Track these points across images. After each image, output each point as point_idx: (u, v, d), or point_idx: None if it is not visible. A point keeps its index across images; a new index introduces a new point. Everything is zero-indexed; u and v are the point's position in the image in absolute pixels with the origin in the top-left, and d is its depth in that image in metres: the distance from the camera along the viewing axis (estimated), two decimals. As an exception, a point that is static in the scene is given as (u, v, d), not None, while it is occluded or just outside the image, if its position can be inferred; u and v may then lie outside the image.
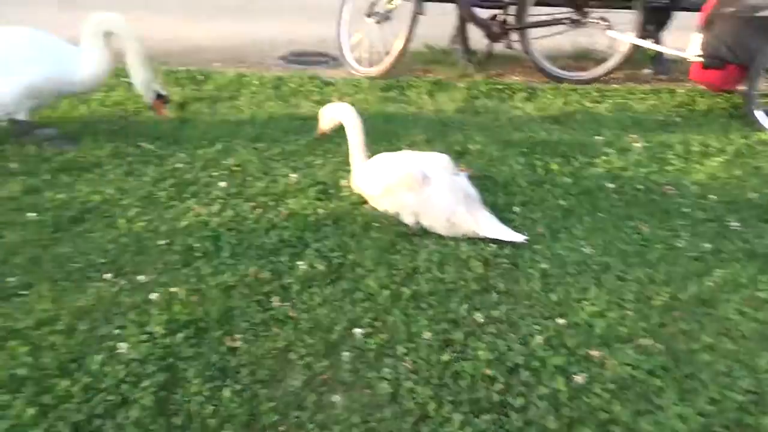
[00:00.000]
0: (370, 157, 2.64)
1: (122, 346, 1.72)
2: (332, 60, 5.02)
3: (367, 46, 4.61)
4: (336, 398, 1.61)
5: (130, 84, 3.81)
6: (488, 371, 1.71)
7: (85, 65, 2.86)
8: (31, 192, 2.55)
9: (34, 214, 2.35)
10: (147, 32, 3.39)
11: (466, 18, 4.62)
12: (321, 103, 3.85)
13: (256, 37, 5.61)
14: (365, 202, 2.57)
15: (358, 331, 1.82)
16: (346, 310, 1.94)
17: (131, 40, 2.92)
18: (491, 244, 2.30)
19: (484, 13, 4.65)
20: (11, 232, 2.26)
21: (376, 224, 2.42)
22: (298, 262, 2.15)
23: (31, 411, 1.51)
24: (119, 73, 3.65)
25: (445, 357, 1.77)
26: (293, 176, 2.75)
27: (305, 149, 3.08)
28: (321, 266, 2.13)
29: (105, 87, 3.73)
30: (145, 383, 1.62)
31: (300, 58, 5.05)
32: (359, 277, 2.11)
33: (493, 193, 2.69)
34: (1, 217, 2.34)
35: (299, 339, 1.81)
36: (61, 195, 2.52)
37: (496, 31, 4.57)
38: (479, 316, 1.93)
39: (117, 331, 1.80)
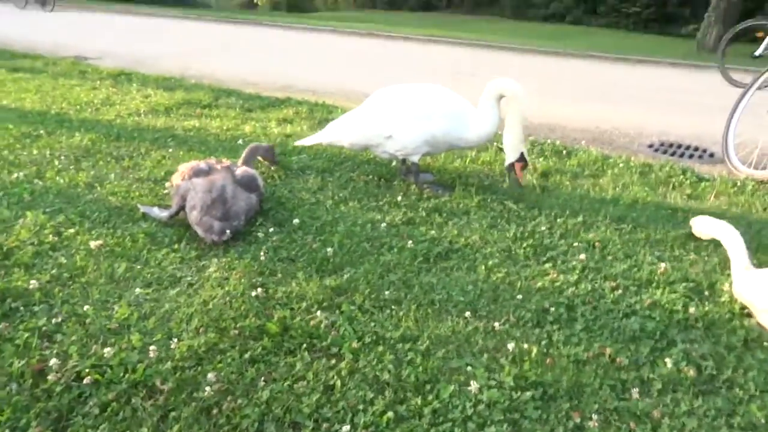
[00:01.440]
0: (756, 266, 2.29)
1: (472, 384, 1.74)
2: (708, 156, 4.58)
3: (760, 145, 4.06)
4: None
5: (499, 149, 4.11)
6: None
7: (477, 125, 3.12)
8: (409, 223, 2.86)
9: (410, 242, 2.61)
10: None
11: None
12: (693, 197, 3.52)
13: (624, 123, 5.49)
14: (750, 314, 2.18)
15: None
16: (720, 432, 1.63)
17: (520, 102, 3.03)
18: None
19: None
20: (390, 253, 2.55)
21: (764, 343, 2.02)
22: (663, 359, 1.91)
23: (389, 415, 1.62)
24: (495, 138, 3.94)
25: None
26: (661, 265, 2.51)
27: (674, 240, 2.80)
28: (690, 372, 1.85)
29: (476, 148, 4.07)
30: (490, 429, 1.60)
31: (670, 148, 4.73)
32: (739, 400, 1.76)
33: None
34: (385, 238, 2.66)
35: (659, 444, 1.58)
36: (432, 232, 2.76)
37: None
38: None
39: (468, 368, 1.84)
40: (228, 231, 2.49)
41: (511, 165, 3.16)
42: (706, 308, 2.23)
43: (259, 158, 3.41)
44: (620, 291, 2.32)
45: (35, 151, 3.57)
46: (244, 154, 3.19)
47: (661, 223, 3.00)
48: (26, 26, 11.68)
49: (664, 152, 4.64)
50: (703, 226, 2.65)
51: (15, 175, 3.16)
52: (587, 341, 2.01)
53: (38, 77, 6.00)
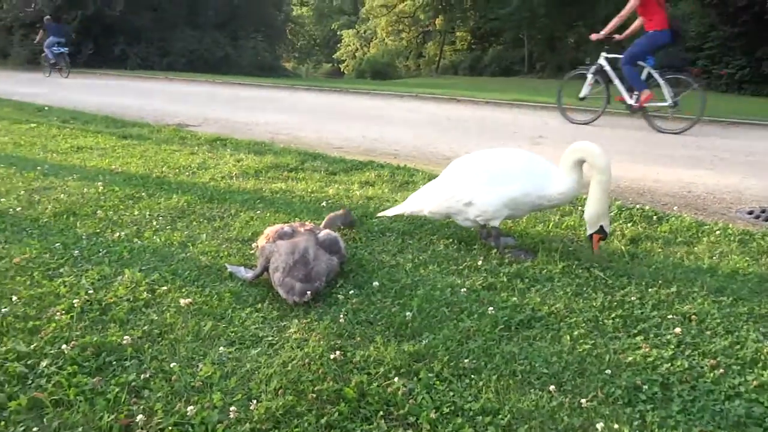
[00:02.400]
0: None
1: (558, 466, 1.63)
2: (817, 223, 4.23)
3: None
4: None
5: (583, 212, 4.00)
6: None
7: (559, 182, 3.06)
8: (490, 288, 2.80)
9: (491, 309, 2.55)
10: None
11: None
12: (801, 268, 3.23)
13: (718, 187, 5.22)
14: None
15: None
16: None
17: (601, 173, 2.97)
18: None
19: None
20: (470, 319, 2.49)
21: None
22: (775, 450, 1.72)
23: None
24: (578, 201, 3.85)
25: None
26: (767, 344, 2.30)
27: (783, 317, 2.57)
28: (808, 466, 1.66)
29: (560, 211, 3.99)
30: None
31: (772, 215, 4.42)
32: None
33: None
34: (465, 304, 2.61)
35: None
36: (514, 298, 2.69)
37: None
38: None
39: (553, 448, 1.73)
40: (309, 292, 2.53)
41: (590, 236, 3.07)
42: (824, 394, 2.00)
43: (339, 226, 3.49)
44: (721, 370, 2.14)
45: (136, 212, 3.84)
46: (323, 224, 3.32)
47: (766, 297, 2.77)
48: (139, 97, 12.81)
49: (766, 220, 4.34)
50: None
51: (117, 234, 3.40)
52: (686, 425, 1.85)
53: (144, 143, 6.52)
